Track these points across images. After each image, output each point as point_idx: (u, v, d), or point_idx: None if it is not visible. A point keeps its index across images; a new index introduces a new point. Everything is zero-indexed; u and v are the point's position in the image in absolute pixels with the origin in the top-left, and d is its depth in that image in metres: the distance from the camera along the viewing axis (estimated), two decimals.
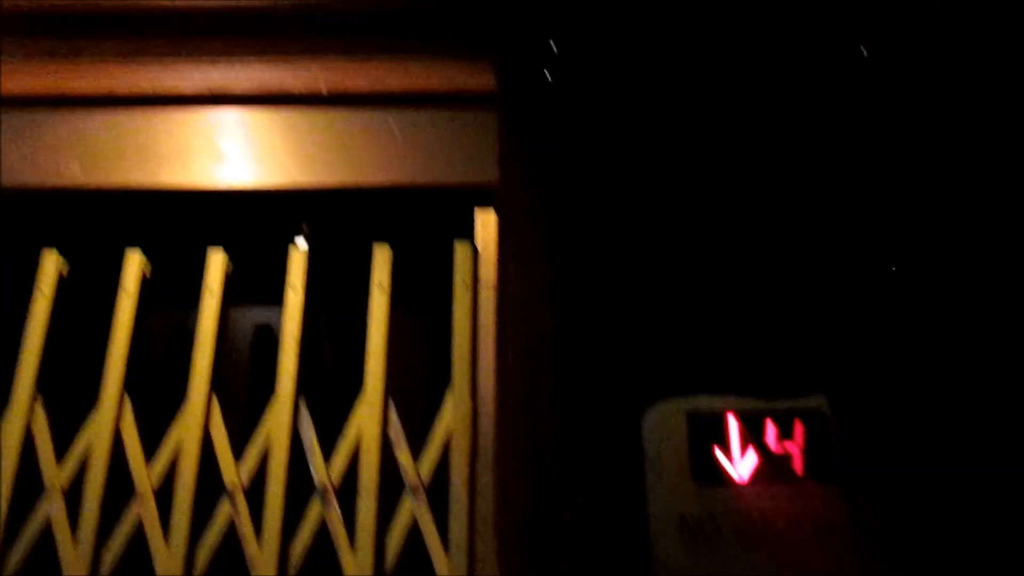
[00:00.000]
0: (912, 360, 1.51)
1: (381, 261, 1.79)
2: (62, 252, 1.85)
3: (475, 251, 1.77)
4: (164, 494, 1.68)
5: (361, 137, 1.81)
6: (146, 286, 1.83)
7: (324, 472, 1.67)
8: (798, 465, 1.49)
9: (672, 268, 1.57)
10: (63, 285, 1.84)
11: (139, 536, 1.66)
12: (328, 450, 1.69)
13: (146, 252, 1.85)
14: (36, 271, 1.82)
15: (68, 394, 1.87)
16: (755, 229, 1.59)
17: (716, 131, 1.66)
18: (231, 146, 1.82)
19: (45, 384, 1.77)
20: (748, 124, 1.66)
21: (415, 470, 1.65)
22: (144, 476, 1.69)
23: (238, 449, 1.70)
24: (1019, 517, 1.40)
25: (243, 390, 1.93)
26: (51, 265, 1.83)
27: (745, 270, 1.57)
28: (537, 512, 1.42)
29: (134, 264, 1.83)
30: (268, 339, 1.77)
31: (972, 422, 1.47)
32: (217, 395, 1.75)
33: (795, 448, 1.50)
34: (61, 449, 1.73)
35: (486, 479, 1.56)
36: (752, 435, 1.50)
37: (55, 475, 1.70)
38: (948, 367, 1.51)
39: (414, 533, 1.61)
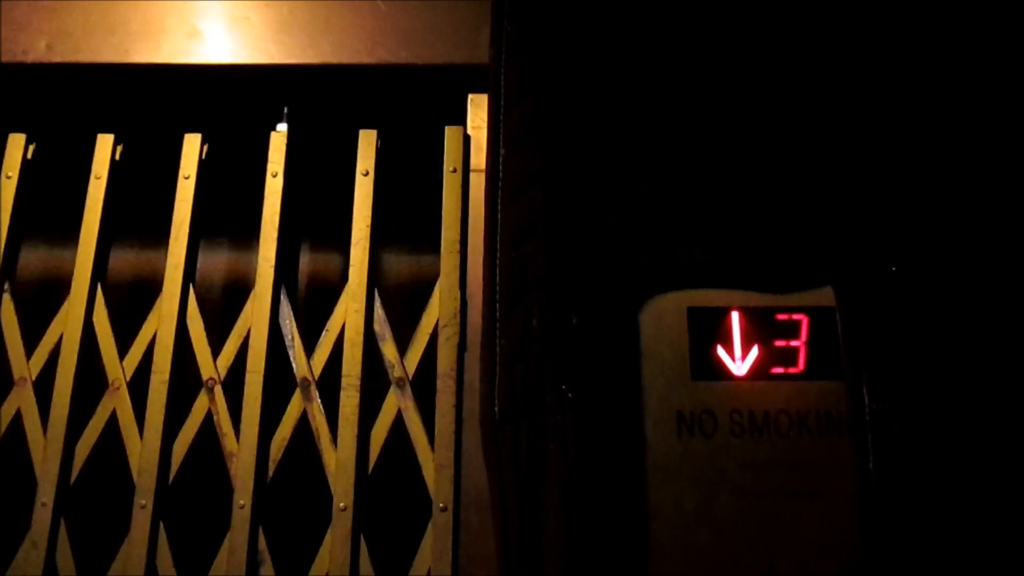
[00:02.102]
0: (928, 255, 1.42)
1: (366, 146, 1.69)
2: (30, 136, 1.75)
3: (466, 136, 1.67)
4: (138, 387, 1.61)
5: (345, 12, 1.69)
6: (119, 172, 1.74)
7: (305, 365, 1.59)
8: (803, 362, 1.41)
9: (672, 153, 1.47)
10: (32, 170, 1.74)
11: (112, 430, 1.59)
12: (310, 343, 1.61)
13: (120, 138, 1.75)
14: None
15: (38, 283, 1.80)
16: (759, 109, 1.49)
17: (719, 7, 1.54)
18: (205, 22, 1.70)
19: (13, 273, 1.69)
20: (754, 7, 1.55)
21: (400, 364, 1.57)
22: (117, 368, 1.62)
23: (216, 342, 1.62)
24: None
25: (221, 280, 1.84)
26: (16, 148, 1.73)
27: (749, 155, 1.47)
28: (524, 407, 1.34)
29: (105, 148, 1.73)
30: (247, 228, 1.68)
31: (992, 324, 1.38)
32: (193, 286, 1.66)
33: (800, 345, 1.42)
34: (31, 341, 1.65)
35: (474, 373, 1.48)
36: (756, 332, 1.42)
37: (24, 366, 1.62)
38: (965, 261, 1.42)
39: (399, 428, 1.54)
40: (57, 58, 1.68)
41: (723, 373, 1.39)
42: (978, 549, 1.27)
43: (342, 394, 1.55)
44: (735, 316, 1.41)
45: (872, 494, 1.31)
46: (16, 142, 1.74)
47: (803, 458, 1.34)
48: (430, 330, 1.58)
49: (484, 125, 1.61)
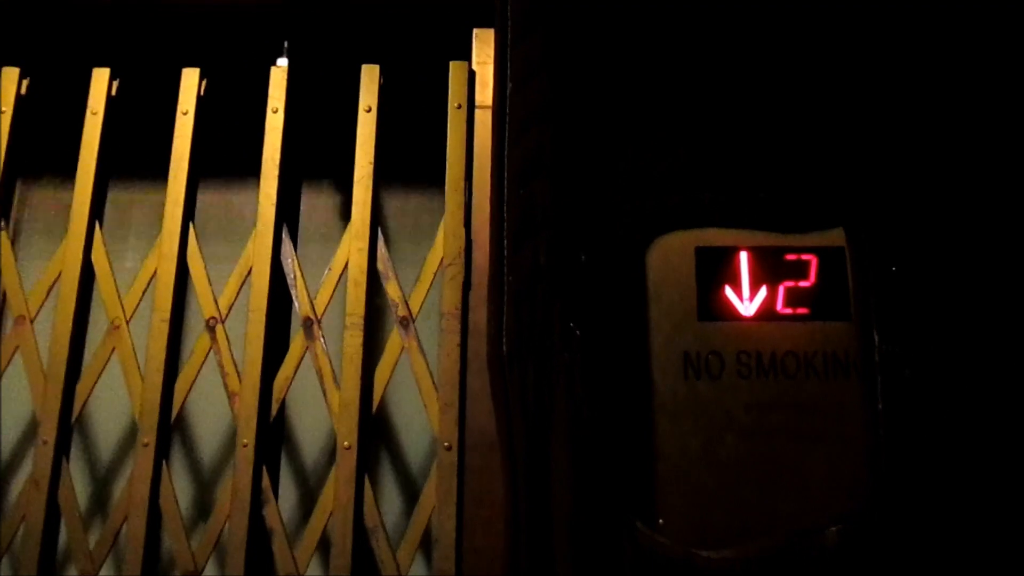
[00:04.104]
0: (941, 196, 1.40)
1: (369, 82, 1.66)
2: (24, 70, 1.71)
3: (471, 72, 1.63)
4: (140, 327, 1.59)
5: None
6: (116, 107, 1.70)
7: (308, 304, 1.57)
8: (812, 303, 1.39)
9: (684, 92, 1.43)
10: (27, 105, 1.71)
11: (114, 369, 1.58)
12: (313, 283, 1.59)
13: (116, 72, 1.71)
14: None
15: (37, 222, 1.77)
16: (774, 50, 1.45)
17: None
18: None
19: (8, 210, 1.66)
20: None
21: (404, 303, 1.55)
22: (118, 307, 1.60)
23: (217, 280, 1.60)
24: None
25: (222, 219, 1.82)
26: (10, 82, 1.69)
27: (762, 96, 1.43)
28: (532, 345, 1.33)
29: (101, 83, 1.69)
30: (248, 165, 1.64)
31: (1005, 266, 1.36)
32: (194, 224, 1.64)
33: (809, 285, 1.40)
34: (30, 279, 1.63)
35: (479, 312, 1.46)
36: (765, 272, 1.39)
37: (23, 304, 1.60)
38: (978, 201, 1.39)
39: (403, 367, 1.53)
40: None
41: (731, 313, 1.37)
42: (988, 496, 1.26)
43: (345, 333, 1.53)
44: (743, 256, 1.39)
45: (879, 437, 1.29)
46: (10, 76, 1.70)
47: (809, 400, 1.33)
48: (434, 269, 1.56)
49: (489, 60, 1.57)
